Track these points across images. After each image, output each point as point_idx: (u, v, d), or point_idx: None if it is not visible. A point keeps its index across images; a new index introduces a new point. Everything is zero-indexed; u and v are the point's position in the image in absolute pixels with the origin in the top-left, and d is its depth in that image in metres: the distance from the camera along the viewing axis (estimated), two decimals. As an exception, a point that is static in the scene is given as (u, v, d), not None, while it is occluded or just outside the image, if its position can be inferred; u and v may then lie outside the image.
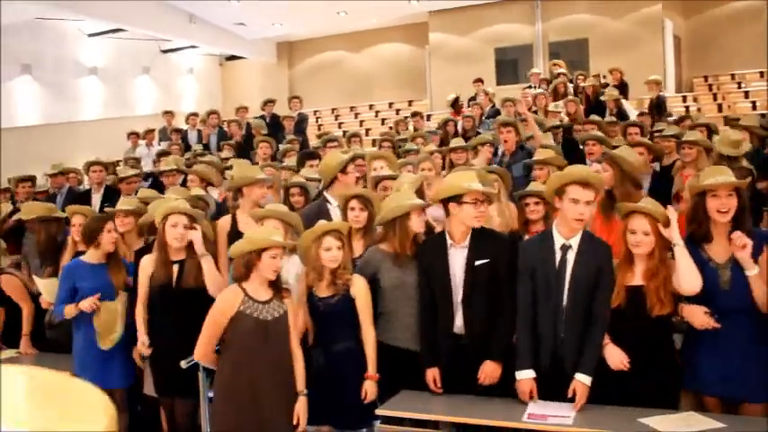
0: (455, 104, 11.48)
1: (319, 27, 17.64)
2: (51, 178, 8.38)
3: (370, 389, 3.55)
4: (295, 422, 3.42)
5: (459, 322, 3.54)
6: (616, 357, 3.26)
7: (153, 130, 11.54)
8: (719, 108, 13.02)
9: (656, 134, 7.28)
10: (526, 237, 4.03)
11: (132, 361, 4.15)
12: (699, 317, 3.22)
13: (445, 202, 3.57)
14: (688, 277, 3.18)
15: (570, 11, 15.32)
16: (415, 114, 11.10)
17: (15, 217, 5.77)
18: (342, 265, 3.57)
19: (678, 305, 3.27)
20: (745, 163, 5.36)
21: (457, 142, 6.89)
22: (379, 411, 3.47)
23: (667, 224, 3.24)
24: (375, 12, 16.30)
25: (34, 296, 4.89)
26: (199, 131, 11.35)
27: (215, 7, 15.11)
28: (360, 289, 3.60)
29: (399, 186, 4.19)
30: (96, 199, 7.20)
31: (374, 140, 10.33)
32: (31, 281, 4.91)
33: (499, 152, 7.01)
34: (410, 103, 16.77)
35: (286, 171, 6.43)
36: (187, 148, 10.42)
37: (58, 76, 14.08)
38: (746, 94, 13.39)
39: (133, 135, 11.48)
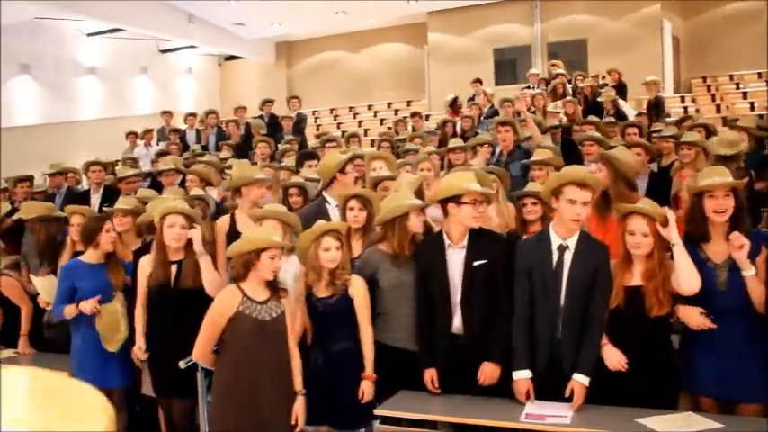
0: (454, 105, 11.49)
1: (318, 27, 17.64)
2: (50, 178, 8.39)
3: (367, 389, 3.55)
4: (293, 422, 3.43)
5: (457, 322, 3.55)
6: (614, 358, 3.27)
7: (151, 130, 11.53)
8: (718, 109, 13.04)
9: (654, 135, 7.29)
10: (524, 237, 4.04)
11: (131, 361, 4.16)
12: (694, 318, 3.23)
13: (444, 202, 3.57)
14: (687, 277, 3.18)
15: (569, 11, 15.33)
16: (414, 114, 11.11)
17: (15, 216, 5.76)
18: (340, 266, 3.57)
19: (675, 306, 3.28)
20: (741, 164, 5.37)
21: (455, 142, 6.90)
22: (377, 411, 3.47)
23: (666, 224, 3.25)
24: (374, 12, 16.30)
25: (33, 296, 4.89)
26: (197, 131, 11.34)
27: (214, 7, 15.11)
28: (358, 289, 3.60)
29: (399, 187, 4.20)
30: (95, 199, 7.19)
31: (373, 141, 10.35)
32: (30, 281, 4.91)
33: (496, 152, 7.02)
34: (409, 103, 16.77)
35: (284, 171, 6.44)
36: (185, 148, 10.41)
37: (56, 75, 14.09)
38: (745, 95, 13.40)
39: (132, 135, 11.47)
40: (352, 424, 3.62)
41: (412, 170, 5.49)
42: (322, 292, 3.60)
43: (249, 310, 3.37)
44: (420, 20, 16.77)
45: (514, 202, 4.51)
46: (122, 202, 4.82)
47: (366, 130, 14.81)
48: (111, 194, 6.91)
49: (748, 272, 3.17)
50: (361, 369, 3.58)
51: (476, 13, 16.00)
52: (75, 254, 4.51)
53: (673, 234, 3.23)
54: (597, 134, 6.67)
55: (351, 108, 17.53)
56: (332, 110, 17.65)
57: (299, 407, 3.44)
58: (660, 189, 5.28)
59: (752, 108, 12.40)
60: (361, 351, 3.60)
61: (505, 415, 3.24)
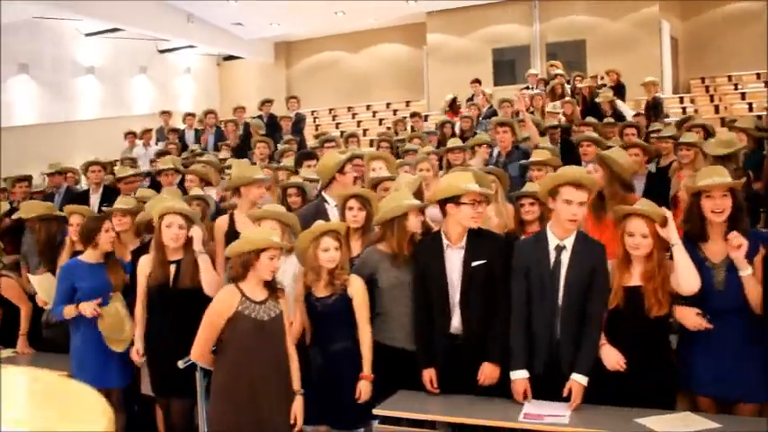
0: (452, 105, 11.50)
1: (317, 27, 17.64)
2: (49, 177, 8.38)
3: (364, 389, 3.56)
4: (292, 422, 3.43)
5: (456, 323, 3.55)
6: (612, 358, 3.28)
7: (150, 130, 11.53)
8: (716, 110, 13.06)
9: (652, 135, 7.29)
10: (522, 237, 4.05)
11: (131, 361, 4.16)
12: (691, 318, 3.23)
13: (442, 202, 3.58)
14: (687, 277, 3.19)
15: (568, 12, 15.34)
16: (414, 115, 11.12)
17: (15, 216, 5.75)
18: (339, 266, 3.58)
19: (673, 306, 3.28)
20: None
21: (454, 142, 6.91)
22: (376, 411, 3.47)
23: (664, 224, 3.25)
24: (373, 12, 16.31)
25: (32, 296, 4.89)
26: (196, 131, 11.34)
27: (213, 7, 15.11)
28: (357, 289, 3.61)
29: (398, 187, 4.21)
30: (95, 199, 7.18)
31: (372, 141, 10.36)
32: (28, 281, 4.91)
33: (495, 152, 7.03)
34: (408, 103, 16.78)
35: (283, 171, 6.44)
36: (184, 147, 10.41)
37: (55, 75, 14.08)
38: (743, 96, 13.42)
39: (130, 135, 11.47)
40: (350, 424, 3.63)
41: (411, 170, 5.50)
42: (321, 292, 3.60)
43: (248, 310, 3.37)
44: (419, 20, 16.77)
45: (513, 203, 4.52)
46: (121, 202, 4.83)
47: (365, 131, 14.81)
48: (110, 194, 6.91)
49: (745, 271, 3.18)
50: (360, 369, 3.58)
51: (475, 14, 16.01)
52: (75, 254, 4.51)
53: (672, 234, 3.24)
54: (595, 135, 6.67)
55: (350, 108, 17.53)
56: (331, 110, 17.65)
57: (297, 407, 3.44)
58: (659, 189, 5.29)
59: (750, 109, 12.43)
60: (359, 351, 3.60)
61: (504, 415, 3.25)
